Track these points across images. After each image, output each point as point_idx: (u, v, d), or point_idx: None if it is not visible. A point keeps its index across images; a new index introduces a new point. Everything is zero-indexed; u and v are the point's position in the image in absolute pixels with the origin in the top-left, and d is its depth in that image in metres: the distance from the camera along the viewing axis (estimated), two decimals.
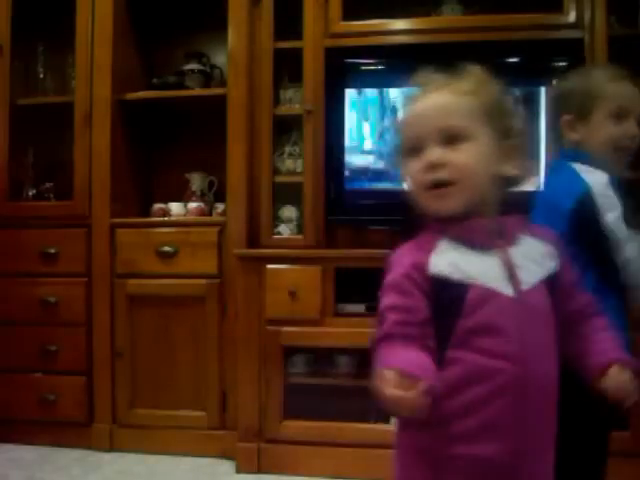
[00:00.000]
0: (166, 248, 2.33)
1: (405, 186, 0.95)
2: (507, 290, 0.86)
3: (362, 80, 2.30)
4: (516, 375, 0.84)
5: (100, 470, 2.23)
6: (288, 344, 2.20)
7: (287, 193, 2.40)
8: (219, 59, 2.62)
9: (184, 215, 2.47)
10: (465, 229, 0.89)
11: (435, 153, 0.87)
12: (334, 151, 2.29)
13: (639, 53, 2.22)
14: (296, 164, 2.42)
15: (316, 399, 2.34)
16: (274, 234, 2.36)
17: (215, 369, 2.33)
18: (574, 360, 0.94)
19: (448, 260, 0.87)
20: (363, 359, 2.30)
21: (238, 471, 2.20)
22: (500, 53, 2.24)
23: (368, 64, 2.33)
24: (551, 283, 0.90)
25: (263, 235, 2.35)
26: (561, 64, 2.16)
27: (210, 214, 2.48)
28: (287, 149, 2.46)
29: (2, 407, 2.43)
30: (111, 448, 2.38)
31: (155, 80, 2.55)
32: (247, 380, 2.21)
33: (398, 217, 2.29)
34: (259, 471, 2.19)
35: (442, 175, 0.87)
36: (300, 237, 2.34)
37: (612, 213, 1.28)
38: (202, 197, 2.53)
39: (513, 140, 0.90)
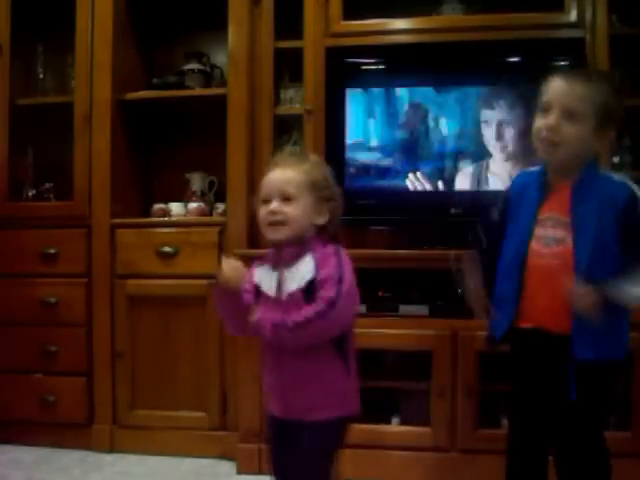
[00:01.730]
0: (166, 248, 2.33)
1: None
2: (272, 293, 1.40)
3: (363, 80, 2.30)
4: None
5: (100, 471, 2.23)
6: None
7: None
8: (219, 59, 2.62)
9: (184, 215, 2.46)
10: (268, 255, 1.45)
11: (273, 208, 1.39)
12: (334, 151, 2.28)
13: None
14: None
15: None
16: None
17: (216, 370, 2.32)
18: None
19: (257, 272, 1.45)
20: (364, 359, 2.29)
21: (239, 472, 2.20)
22: (501, 52, 2.23)
23: (369, 64, 2.33)
24: (308, 287, 1.36)
25: (264, 235, 2.34)
26: (562, 63, 2.16)
27: (210, 214, 2.48)
28: (287, 149, 2.45)
29: (2, 408, 2.43)
30: (111, 449, 2.38)
31: (155, 80, 2.54)
32: (248, 380, 2.20)
33: (398, 217, 2.31)
34: (260, 472, 2.18)
35: (278, 218, 1.38)
36: None
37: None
38: (202, 197, 2.52)
39: (330, 203, 1.42)
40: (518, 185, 1.51)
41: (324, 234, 1.43)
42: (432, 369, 2.09)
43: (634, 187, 1.36)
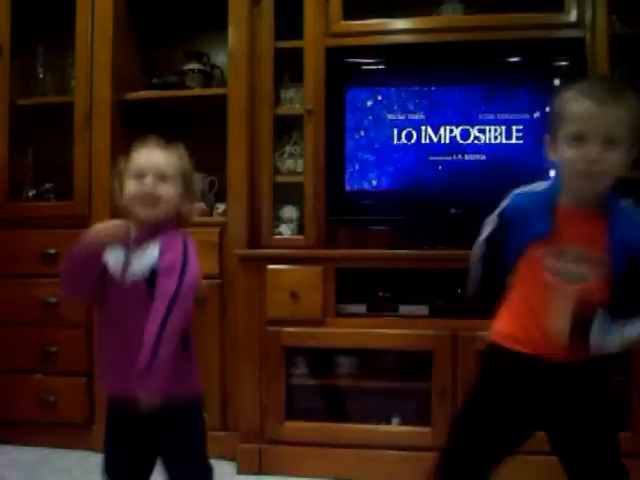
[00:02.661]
0: None
1: (121, 196, 1.43)
2: (118, 276, 1.37)
3: (363, 80, 2.30)
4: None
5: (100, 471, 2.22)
6: (289, 345, 2.20)
7: (288, 193, 2.40)
8: (219, 59, 2.62)
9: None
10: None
11: (150, 183, 1.38)
12: (335, 151, 2.28)
13: None
14: (296, 164, 2.42)
15: (317, 400, 2.34)
16: (275, 234, 2.36)
17: (216, 370, 2.32)
18: None
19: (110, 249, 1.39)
20: (364, 360, 2.30)
21: (239, 472, 2.20)
22: (501, 52, 2.24)
23: (369, 64, 2.33)
24: (150, 276, 1.35)
25: (264, 235, 2.34)
26: (562, 63, 2.16)
27: (211, 214, 2.48)
28: (287, 149, 2.45)
29: (2, 408, 2.42)
30: None
31: (155, 80, 2.54)
32: (248, 381, 2.20)
33: (398, 217, 2.31)
34: (260, 472, 2.18)
35: (153, 196, 1.38)
36: (301, 237, 2.33)
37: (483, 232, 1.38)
38: (203, 197, 2.52)
39: (190, 194, 1.49)
40: (520, 210, 1.34)
41: (177, 223, 1.45)
42: (432, 369, 2.09)
43: None
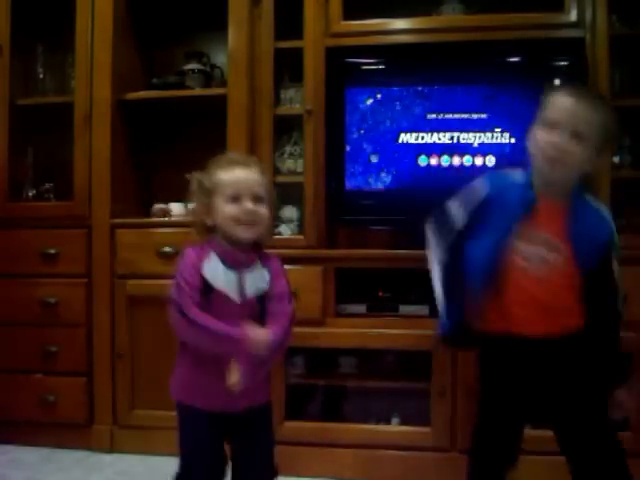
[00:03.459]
0: (166, 248, 2.32)
1: (215, 218, 1.43)
2: (236, 297, 1.41)
3: (363, 80, 2.30)
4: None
5: (100, 471, 2.23)
6: (289, 344, 2.19)
7: (287, 193, 2.40)
8: (219, 59, 2.62)
9: (184, 215, 2.46)
10: (228, 253, 1.42)
11: (251, 204, 1.41)
12: (334, 151, 2.28)
13: None
14: (296, 164, 2.42)
15: (317, 400, 2.34)
16: (275, 234, 2.35)
17: None
18: None
19: (211, 269, 1.41)
20: (364, 360, 2.30)
21: None
22: (501, 52, 2.23)
23: (369, 64, 2.33)
24: (262, 297, 1.44)
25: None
26: (562, 63, 2.16)
27: None
28: (287, 149, 2.45)
29: (2, 408, 2.42)
30: (111, 449, 2.38)
31: (155, 80, 2.54)
32: None
33: (398, 217, 2.31)
34: None
35: (253, 217, 1.41)
36: (301, 237, 2.33)
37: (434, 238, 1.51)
38: None
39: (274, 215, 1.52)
40: (495, 187, 1.45)
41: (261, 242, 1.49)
42: (432, 369, 2.09)
43: (613, 225, 1.41)
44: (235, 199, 1.41)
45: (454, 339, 1.52)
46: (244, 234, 1.41)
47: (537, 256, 1.38)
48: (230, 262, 1.42)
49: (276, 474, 1.54)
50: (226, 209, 1.41)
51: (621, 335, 1.41)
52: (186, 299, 1.37)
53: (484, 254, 1.40)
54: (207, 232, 1.45)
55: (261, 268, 1.45)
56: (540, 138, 1.37)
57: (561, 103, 1.37)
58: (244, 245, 1.43)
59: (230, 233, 1.42)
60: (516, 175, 1.46)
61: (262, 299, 1.44)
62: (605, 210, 1.44)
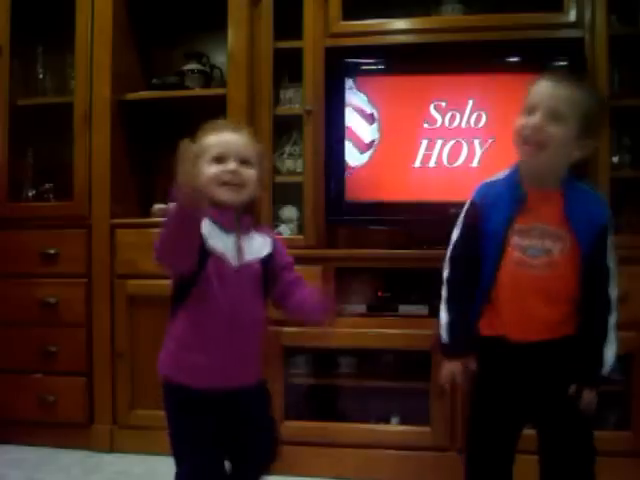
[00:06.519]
0: None
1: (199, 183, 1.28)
2: (233, 261, 1.34)
3: (362, 80, 2.29)
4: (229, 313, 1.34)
5: (100, 471, 2.23)
6: (289, 344, 2.20)
7: (287, 193, 2.40)
8: (219, 59, 2.62)
9: None
10: (221, 215, 1.35)
11: (235, 165, 1.35)
12: (334, 151, 2.28)
13: (639, 52, 2.23)
14: (296, 164, 2.42)
15: (317, 400, 2.34)
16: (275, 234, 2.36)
17: None
18: (296, 307, 1.42)
19: (207, 232, 1.32)
20: (364, 359, 2.30)
21: None
22: (500, 53, 2.23)
23: (368, 64, 2.33)
24: (265, 262, 1.39)
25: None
26: (561, 63, 2.16)
27: None
28: (287, 149, 2.46)
29: (2, 408, 2.42)
30: (111, 449, 2.38)
31: (155, 80, 2.55)
32: None
33: (398, 217, 2.31)
34: None
35: (238, 179, 1.35)
36: (301, 237, 2.33)
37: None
38: None
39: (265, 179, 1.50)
40: (483, 196, 1.45)
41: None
42: (432, 369, 2.09)
43: (609, 211, 1.39)
44: (219, 160, 1.35)
45: (456, 349, 1.48)
46: (226, 196, 1.34)
47: (538, 248, 1.36)
48: (226, 225, 1.35)
49: (277, 445, 1.51)
50: (209, 170, 1.34)
51: (617, 329, 1.38)
52: None
53: (490, 262, 1.39)
54: None
55: (259, 235, 1.41)
56: (519, 122, 1.35)
57: (540, 87, 1.36)
58: (232, 210, 1.36)
59: (213, 198, 1.34)
60: (503, 176, 1.45)
61: (264, 267, 1.38)
62: (600, 195, 1.42)
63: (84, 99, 2.41)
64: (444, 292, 1.49)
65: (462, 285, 1.45)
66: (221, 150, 1.36)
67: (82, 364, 2.40)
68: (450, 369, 1.47)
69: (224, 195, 1.35)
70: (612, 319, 1.37)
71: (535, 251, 1.36)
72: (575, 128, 1.32)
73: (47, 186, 2.58)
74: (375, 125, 2.26)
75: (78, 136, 2.42)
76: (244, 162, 1.36)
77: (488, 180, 1.48)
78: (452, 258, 1.49)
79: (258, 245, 1.40)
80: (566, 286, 1.37)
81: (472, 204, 1.46)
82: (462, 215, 1.48)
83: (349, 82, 2.26)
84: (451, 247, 1.49)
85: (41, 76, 2.64)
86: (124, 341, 2.37)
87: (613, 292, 1.37)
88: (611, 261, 1.37)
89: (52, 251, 2.40)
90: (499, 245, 1.38)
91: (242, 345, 1.37)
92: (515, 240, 1.37)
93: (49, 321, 2.41)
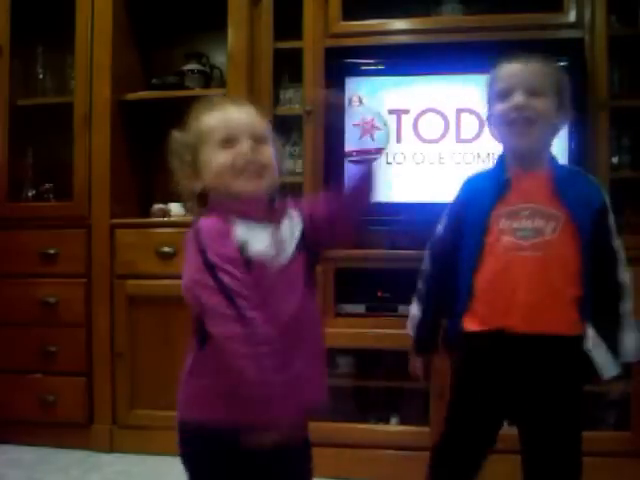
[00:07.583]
0: (166, 248, 2.33)
1: (205, 178, 1.10)
2: (275, 261, 1.06)
3: (362, 80, 2.29)
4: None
5: (100, 471, 2.23)
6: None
7: (287, 193, 2.40)
8: (219, 59, 2.62)
9: (184, 215, 2.46)
10: (250, 207, 1.07)
11: (252, 146, 1.07)
12: (334, 151, 2.28)
13: (639, 53, 2.23)
14: (296, 164, 2.42)
15: None
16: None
17: None
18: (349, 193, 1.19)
19: (243, 232, 1.04)
20: (363, 359, 2.30)
21: None
22: (500, 53, 2.22)
23: (368, 64, 2.33)
24: (303, 240, 1.11)
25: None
26: (561, 64, 2.15)
27: None
28: (287, 149, 2.46)
29: (2, 408, 2.43)
30: (111, 449, 2.38)
31: (155, 80, 2.55)
32: None
33: (398, 217, 2.31)
34: None
35: (258, 163, 1.07)
36: None
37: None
38: None
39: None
40: (470, 190, 1.44)
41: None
42: (431, 369, 2.09)
43: (605, 193, 1.37)
44: (228, 142, 1.07)
45: (418, 347, 1.51)
46: (247, 187, 1.07)
47: (528, 229, 1.31)
48: (258, 218, 1.08)
49: None
50: (218, 158, 1.07)
51: (633, 315, 1.32)
52: (236, 284, 0.98)
53: (470, 254, 1.36)
54: (202, 202, 1.12)
55: (291, 217, 1.14)
56: (500, 108, 1.35)
57: (510, 70, 1.38)
58: (261, 199, 1.10)
59: (229, 190, 1.07)
60: (488, 167, 1.46)
61: (306, 246, 1.11)
62: (592, 177, 1.40)
63: (84, 99, 2.41)
64: (419, 286, 1.50)
65: (438, 282, 1.45)
66: (229, 130, 1.08)
67: (82, 364, 2.40)
68: (412, 363, 1.54)
69: (244, 186, 1.07)
70: (626, 305, 1.32)
71: (526, 232, 1.31)
72: (554, 100, 1.35)
73: (47, 186, 2.58)
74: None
75: (78, 136, 2.42)
76: (258, 140, 1.09)
77: (472, 175, 1.48)
78: (432, 254, 1.48)
79: (292, 227, 1.13)
80: (565, 268, 1.31)
81: (455, 199, 1.47)
82: (446, 211, 1.48)
83: (349, 82, 2.26)
84: (432, 242, 1.49)
85: (41, 76, 2.64)
86: (124, 341, 2.37)
87: (623, 276, 1.32)
88: (616, 243, 1.33)
89: (52, 251, 2.41)
90: (481, 234, 1.34)
91: (308, 357, 1.10)
92: (503, 223, 1.33)
93: (49, 321, 2.41)
